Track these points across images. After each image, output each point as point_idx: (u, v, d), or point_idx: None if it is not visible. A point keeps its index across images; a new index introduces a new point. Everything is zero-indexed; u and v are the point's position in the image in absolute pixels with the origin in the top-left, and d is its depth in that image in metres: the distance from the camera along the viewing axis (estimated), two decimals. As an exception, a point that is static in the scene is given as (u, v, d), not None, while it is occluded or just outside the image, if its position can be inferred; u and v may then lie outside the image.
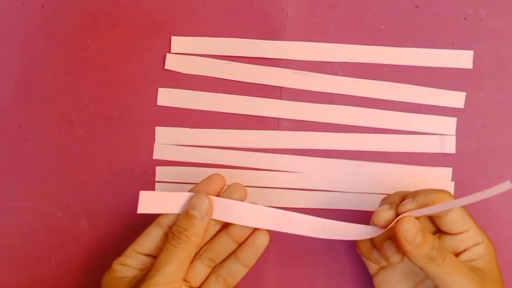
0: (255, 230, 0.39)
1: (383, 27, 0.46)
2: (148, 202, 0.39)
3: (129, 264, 0.39)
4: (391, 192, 0.44)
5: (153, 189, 0.46)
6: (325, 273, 0.45)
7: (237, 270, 0.40)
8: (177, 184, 0.46)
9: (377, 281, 0.41)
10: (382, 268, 0.41)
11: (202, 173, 0.45)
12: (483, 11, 0.45)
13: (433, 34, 0.45)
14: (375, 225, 0.38)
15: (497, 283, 0.39)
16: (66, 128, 0.46)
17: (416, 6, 0.46)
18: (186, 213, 0.38)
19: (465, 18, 0.45)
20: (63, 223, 0.46)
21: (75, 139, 0.46)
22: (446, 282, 0.37)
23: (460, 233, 0.39)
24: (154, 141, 0.46)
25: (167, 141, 0.46)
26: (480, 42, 0.45)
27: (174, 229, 0.38)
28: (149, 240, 0.39)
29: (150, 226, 0.40)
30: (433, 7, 0.45)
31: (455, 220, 0.38)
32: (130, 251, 0.39)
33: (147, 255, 0.39)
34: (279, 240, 0.45)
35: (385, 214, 0.38)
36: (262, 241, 0.39)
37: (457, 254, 0.39)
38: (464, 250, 0.39)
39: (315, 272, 0.45)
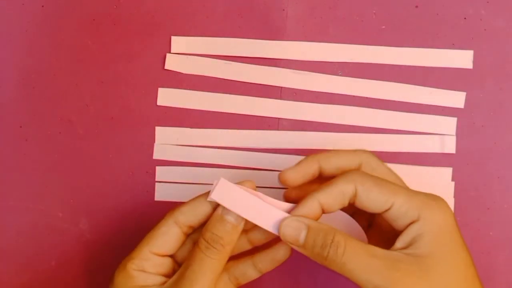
0: (277, 241, 0.36)
1: (383, 27, 0.46)
2: (223, 192, 0.35)
3: (148, 269, 0.36)
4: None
5: (153, 189, 0.46)
6: (325, 273, 0.45)
7: (252, 274, 0.37)
8: (177, 184, 0.46)
9: None
10: None
11: (202, 173, 0.45)
12: (483, 11, 0.45)
13: (433, 34, 0.45)
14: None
15: (453, 270, 0.32)
16: (66, 128, 0.46)
17: (416, 6, 0.46)
18: (221, 219, 0.35)
19: (465, 18, 0.45)
20: (63, 223, 0.46)
21: (75, 139, 0.46)
22: (355, 281, 0.32)
23: (385, 211, 0.33)
24: (154, 141, 0.46)
25: (167, 141, 0.46)
26: (480, 42, 0.45)
27: (208, 236, 0.35)
28: (168, 240, 0.36)
29: (165, 223, 0.36)
30: (433, 7, 0.45)
31: (368, 201, 0.33)
32: (146, 252, 0.36)
33: (165, 255, 0.36)
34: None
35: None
36: (283, 255, 0.37)
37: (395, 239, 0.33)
38: (401, 233, 0.33)
39: (315, 272, 0.45)
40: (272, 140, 0.46)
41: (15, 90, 0.46)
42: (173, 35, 0.46)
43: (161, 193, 0.46)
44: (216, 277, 0.34)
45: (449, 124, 0.45)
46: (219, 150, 0.46)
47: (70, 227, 0.46)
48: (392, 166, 0.45)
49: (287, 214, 0.34)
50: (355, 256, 0.32)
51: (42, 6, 0.47)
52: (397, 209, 0.33)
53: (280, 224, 0.34)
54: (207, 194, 0.36)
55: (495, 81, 0.45)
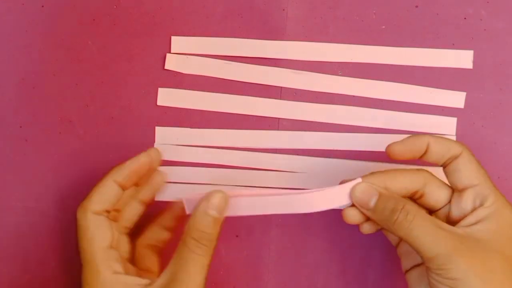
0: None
1: (383, 27, 0.46)
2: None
3: (118, 270, 0.36)
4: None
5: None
6: (325, 273, 0.45)
7: (161, 233, 0.41)
8: (177, 184, 0.46)
9: (399, 251, 0.40)
10: (415, 266, 0.39)
11: (202, 173, 0.45)
12: (483, 11, 0.45)
13: (433, 34, 0.45)
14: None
15: (505, 261, 0.34)
16: (66, 128, 0.46)
17: (416, 6, 0.46)
18: (205, 214, 0.36)
19: (465, 18, 0.45)
20: (63, 224, 0.46)
21: (75, 139, 0.46)
22: (417, 247, 0.34)
23: (466, 188, 0.36)
24: (154, 141, 0.46)
25: (167, 141, 0.46)
26: (480, 42, 0.45)
27: (197, 235, 0.35)
28: (107, 230, 0.37)
29: (90, 218, 0.37)
30: (433, 7, 0.45)
31: (461, 168, 0.36)
32: (101, 251, 0.36)
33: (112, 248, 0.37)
34: (279, 240, 0.45)
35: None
36: (160, 180, 0.42)
37: (463, 218, 0.36)
38: (470, 213, 0.35)
39: (315, 272, 0.45)
40: (272, 140, 0.46)
41: (15, 90, 0.46)
42: (173, 35, 0.46)
43: (161, 193, 0.45)
44: (207, 272, 0.36)
45: (449, 124, 0.45)
46: (219, 150, 0.46)
47: (70, 228, 0.46)
48: (392, 166, 0.45)
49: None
50: (423, 223, 0.34)
51: (42, 6, 0.47)
52: (479, 190, 0.35)
53: (353, 187, 0.36)
54: (106, 175, 0.39)
55: (495, 81, 0.45)
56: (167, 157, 0.46)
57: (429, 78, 0.45)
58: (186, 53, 0.46)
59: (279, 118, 0.46)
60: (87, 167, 0.46)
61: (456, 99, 0.45)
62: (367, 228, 0.38)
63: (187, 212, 0.38)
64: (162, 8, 0.46)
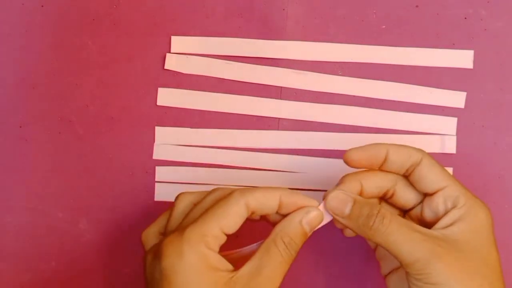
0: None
1: (383, 27, 0.46)
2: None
3: (216, 249, 0.34)
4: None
5: (153, 189, 0.46)
6: (325, 273, 0.45)
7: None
8: (177, 184, 0.46)
9: (377, 255, 0.39)
10: (394, 270, 0.39)
11: (202, 173, 0.45)
12: (483, 11, 0.45)
13: (433, 34, 0.45)
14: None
15: (482, 262, 0.34)
16: (66, 128, 0.46)
17: (416, 6, 0.46)
18: (302, 228, 0.35)
19: (465, 18, 0.45)
20: (63, 223, 0.46)
21: (75, 139, 0.46)
22: (395, 253, 0.33)
23: (435, 192, 0.35)
24: (154, 141, 0.46)
25: (167, 141, 0.46)
26: (480, 42, 0.45)
27: (287, 240, 0.34)
28: (238, 221, 0.34)
29: (237, 203, 0.34)
30: (433, 7, 0.45)
31: (426, 174, 0.35)
32: (217, 230, 0.33)
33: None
34: (279, 240, 0.45)
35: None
36: None
37: (437, 220, 0.35)
38: (443, 216, 0.35)
39: (315, 272, 0.45)
40: (272, 140, 0.46)
41: (15, 90, 0.46)
42: (173, 35, 0.46)
43: (161, 193, 0.46)
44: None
45: (450, 124, 0.45)
46: (219, 150, 0.46)
47: (70, 227, 0.46)
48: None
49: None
50: (400, 228, 0.33)
51: (42, 6, 0.47)
52: (448, 192, 0.35)
53: (326, 196, 0.36)
54: (277, 188, 0.36)
55: (496, 81, 0.45)
56: (167, 157, 0.46)
57: (429, 78, 0.45)
58: (186, 53, 0.46)
59: (279, 118, 0.46)
60: (87, 167, 0.46)
61: (456, 99, 0.45)
62: (349, 232, 0.38)
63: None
64: (162, 8, 0.46)
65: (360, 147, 0.36)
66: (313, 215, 0.36)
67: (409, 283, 0.34)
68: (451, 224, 0.34)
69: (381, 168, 0.37)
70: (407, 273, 0.34)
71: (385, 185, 0.37)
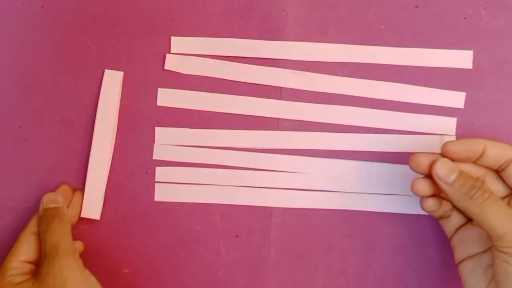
0: None
1: (383, 27, 0.46)
2: None
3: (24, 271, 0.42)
4: (391, 192, 0.44)
5: (153, 189, 0.46)
6: (325, 273, 0.45)
7: None
8: (177, 185, 0.46)
9: (453, 242, 0.42)
10: (458, 229, 0.41)
11: (202, 173, 0.45)
12: (483, 11, 0.45)
13: (433, 34, 0.45)
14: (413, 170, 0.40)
15: None
16: (66, 128, 0.46)
17: (416, 6, 0.46)
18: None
19: (465, 18, 0.45)
20: (63, 224, 0.46)
21: (75, 139, 0.46)
22: (488, 223, 0.36)
23: None
24: (154, 141, 0.46)
25: (167, 141, 0.46)
26: (480, 42, 0.45)
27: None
28: (32, 247, 0.42)
29: (21, 236, 0.43)
30: (433, 7, 0.45)
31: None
32: (16, 262, 0.42)
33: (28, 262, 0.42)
34: (279, 240, 0.45)
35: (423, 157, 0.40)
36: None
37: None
38: None
39: (315, 272, 0.45)
40: (272, 140, 0.46)
41: (15, 90, 0.46)
42: (173, 35, 0.46)
43: (161, 193, 0.46)
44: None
45: (449, 124, 0.45)
46: (219, 150, 0.46)
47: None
48: (392, 166, 0.45)
49: None
50: (497, 203, 0.37)
51: (42, 6, 0.47)
52: None
53: (435, 163, 0.39)
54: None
55: (495, 81, 0.45)
56: (167, 157, 0.46)
57: (429, 78, 0.45)
58: (186, 53, 0.46)
59: (279, 118, 0.46)
60: (87, 167, 0.46)
61: (456, 99, 0.45)
62: (430, 204, 0.41)
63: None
64: (162, 8, 0.46)
65: (459, 140, 0.39)
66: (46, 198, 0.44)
67: (496, 258, 0.37)
68: None
69: (476, 162, 0.39)
70: (495, 247, 0.37)
71: (477, 174, 0.40)
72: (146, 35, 0.46)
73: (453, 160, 0.39)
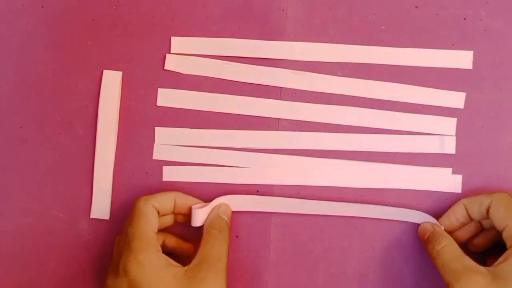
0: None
1: (383, 27, 0.46)
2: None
3: (159, 249, 0.41)
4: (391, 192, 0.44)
5: (153, 189, 0.46)
6: (325, 273, 0.45)
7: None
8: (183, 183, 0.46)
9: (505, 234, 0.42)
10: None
11: (201, 173, 0.45)
12: (483, 11, 0.45)
13: (433, 34, 0.45)
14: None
15: None
16: (66, 128, 0.46)
17: (416, 6, 0.46)
18: (219, 216, 0.43)
19: (465, 18, 0.45)
20: (63, 224, 0.46)
21: (75, 139, 0.46)
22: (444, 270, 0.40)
23: (503, 229, 0.40)
24: (154, 142, 0.46)
25: (167, 142, 0.46)
26: (480, 42, 0.45)
27: (217, 227, 0.42)
28: (156, 220, 0.42)
29: (147, 209, 0.42)
30: (433, 7, 0.45)
31: (493, 217, 0.41)
32: (150, 233, 0.41)
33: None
34: (279, 240, 0.45)
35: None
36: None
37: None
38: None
39: (315, 272, 0.45)
40: (272, 140, 0.46)
41: (15, 90, 0.46)
42: (173, 35, 0.46)
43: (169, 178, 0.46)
44: (227, 255, 0.41)
45: (449, 124, 0.45)
46: (219, 150, 0.46)
47: (70, 228, 0.46)
48: (392, 166, 0.45)
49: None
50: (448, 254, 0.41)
51: (42, 6, 0.47)
52: (507, 232, 0.40)
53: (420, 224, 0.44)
54: (170, 192, 0.44)
55: (495, 82, 0.45)
56: (167, 157, 0.46)
57: (429, 78, 0.45)
58: (186, 53, 0.46)
59: (279, 118, 0.46)
60: (87, 167, 0.46)
61: (456, 99, 0.45)
62: (479, 241, 0.44)
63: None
64: (162, 8, 0.46)
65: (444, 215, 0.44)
66: (223, 208, 0.44)
67: None
68: (503, 261, 0.39)
69: (474, 219, 0.43)
70: None
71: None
72: (146, 35, 0.46)
73: (449, 231, 0.43)
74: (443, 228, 0.43)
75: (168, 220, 0.44)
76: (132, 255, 0.39)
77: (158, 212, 0.42)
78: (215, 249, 0.41)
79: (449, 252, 0.40)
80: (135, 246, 0.40)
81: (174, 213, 0.44)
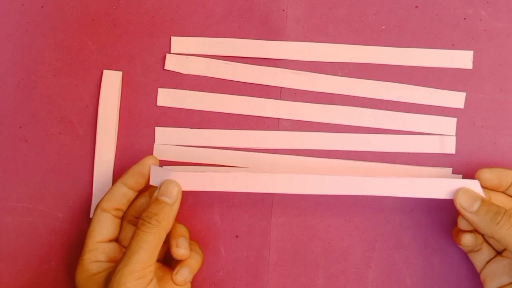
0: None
1: (383, 27, 0.46)
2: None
3: (100, 258, 0.40)
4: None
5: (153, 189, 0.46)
6: (325, 273, 0.45)
7: None
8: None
9: (483, 275, 0.42)
10: (488, 262, 0.42)
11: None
12: (483, 11, 0.45)
13: (433, 34, 0.45)
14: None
15: None
16: (66, 128, 0.46)
17: (416, 6, 0.46)
18: (156, 200, 0.40)
19: (465, 18, 0.45)
20: (63, 224, 0.46)
21: (75, 139, 0.46)
22: None
23: None
24: (154, 141, 0.46)
25: (167, 141, 0.46)
26: (480, 42, 0.45)
27: (145, 215, 0.39)
28: (105, 226, 0.41)
29: (96, 214, 0.41)
30: (433, 7, 0.45)
31: None
32: (92, 243, 0.40)
33: (110, 241, 0.41)
34: (279, 240, 0.45)
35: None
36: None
37: None
38: None
39: (315, 272, 0.45)
40: (272, 140, 0.46)
41: (15, 90, 0.46)
42: (173, 35, 0.46)
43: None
44: (153, 250, 0.38)
45: (449, 124, 0.45)
46: (219, 150, 0.46)
47: (70, 228, 0.46)
48: (392, 166, 0.45)
49: None
50: None
51: (42, 6, 0.47)
52: None
53: (456, 192, 0.40)
54: (121, 179, 0.42)
55: (495, 82, 0.45)
56: (167, 157, 0.46)
57: (429, 78, 0.45)
58: (186, 53, 0.46)
59: (279, 118, 0.46)
60: (87, 167, 0.46)
61: (456, 99, 0.45)
62: (468, 239, 0.41)
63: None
64: (162, 8, 0.46)
65: (492, 169, 0.41)
66: (163, 187, 0.40)
67: None
68: None
69: (506, 191, 0.41)
70: None
71: (506, 203, 0.41)
72: (146, 35, 0.46)
73: (486, 186, 0.41)
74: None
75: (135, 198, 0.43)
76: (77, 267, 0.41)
77: (118, 209, 0.41)
78: (132, 243, 0.38)
79: None
80: (78, 262, 0.41)
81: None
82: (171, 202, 0.40)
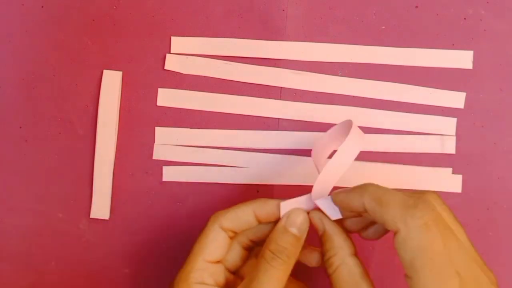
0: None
1: (383, 27, 0.46)
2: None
3: (207, 280, 0.36)
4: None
5: (153, 190, 0.46)
6: (325, 273, 0.45)
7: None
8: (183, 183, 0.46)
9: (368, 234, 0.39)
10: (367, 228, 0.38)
11: (202, 173, 0.45)
12: (483, 11, 0.45)
13: (433, 34, 0.45)
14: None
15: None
16: (66, 128, 0.46)
17: (416, 6, 0.46)
18: (284, 230, 0.36)
19: (465, 18, 0.45)
20: (63, 224, 0.46)
21: (75, 139, 0.46)
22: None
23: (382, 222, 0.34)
24: (154, 141, 0.46)
25: (167, 142, 0.46)
26: (480, 42, 0.45)
27: (274, 247, 0.35)
28: (218, 246, 0.37)
29: (212, 230, 0.37)
30: (433, 7, 0.45)
31: (368, 207, 0.34)
32: (201, 262, 0.36)
33: (217, 262, 0.37)
34: (279, 240, 0.45)
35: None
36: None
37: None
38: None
39: (315, 272, 0.45)
40: (272, 140, 0.46)
41: (15, 90, 0.46)
42: (173, 35, 0.46)
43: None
44: (282, 286, 0.35)
45: (449, 124, 0.45)
46: (219, 150, 0.46)
47: (70, 228, 0.46)
48: (392, 166, 0.45)
49: None
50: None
51: (42, 6, 0.47)
52: (388, 220, 0.33)
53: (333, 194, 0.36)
54: (249, 203, 0.37)
55: (495, 82, 0.45)
56: (167, 157, 0.46)
57: (429, 78, 0.45)
58: (186, 53, 0.46)
59: (279, 118, 0.46)
60: (87, 167, 0.46)
61: (456, 99, 0.45)
62: (371, 232, 0.38)
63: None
64: (162, 8, 0.46)
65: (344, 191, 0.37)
66: (293, 216, 0.36)
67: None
68: (399, 253, 0.34)
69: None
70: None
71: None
72: (146, 35, 0.46)
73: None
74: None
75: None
76: (179, 273, 0.36)
77: (234, 231, 0.37)
78: (259, 277, 0.34)
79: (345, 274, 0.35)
80: (184, 266, 0.36)
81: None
82: (300, 235, 0.36)
